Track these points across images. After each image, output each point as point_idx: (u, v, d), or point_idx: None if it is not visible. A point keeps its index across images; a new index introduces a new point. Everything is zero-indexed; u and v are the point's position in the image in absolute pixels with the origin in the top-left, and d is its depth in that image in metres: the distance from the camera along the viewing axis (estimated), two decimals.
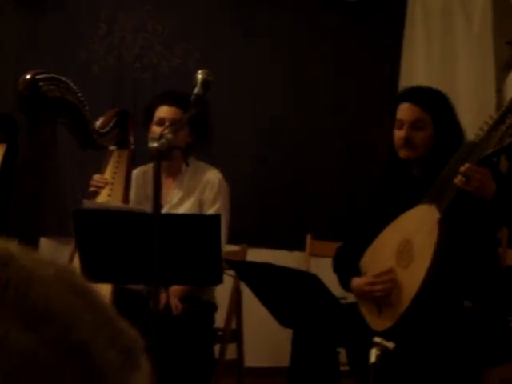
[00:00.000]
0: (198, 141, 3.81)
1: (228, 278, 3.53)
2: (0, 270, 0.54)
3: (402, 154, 3.22)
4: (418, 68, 5.08)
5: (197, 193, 3.83)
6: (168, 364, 3.20)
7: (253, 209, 5.10)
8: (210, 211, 3.76)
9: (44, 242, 4.36)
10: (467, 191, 2.96)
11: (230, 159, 4.82)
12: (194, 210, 3.78)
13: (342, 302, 3.26)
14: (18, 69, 4.04)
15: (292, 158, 5.16)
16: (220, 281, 3.07)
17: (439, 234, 3.01)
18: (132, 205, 3.71)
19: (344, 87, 5.17)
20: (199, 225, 3.03)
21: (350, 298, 3.33)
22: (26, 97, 3.07)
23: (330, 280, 3.26)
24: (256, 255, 4.12)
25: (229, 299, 4.13)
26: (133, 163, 3.73)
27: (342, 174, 5.16)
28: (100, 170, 3.68)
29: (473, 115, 4.56)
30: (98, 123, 3.47)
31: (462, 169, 2.94)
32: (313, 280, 3.00)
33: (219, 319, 3.97)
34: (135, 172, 3.86)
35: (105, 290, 3.22)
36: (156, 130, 3.72)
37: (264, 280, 3.14)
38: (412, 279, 3.04)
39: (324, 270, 3.60)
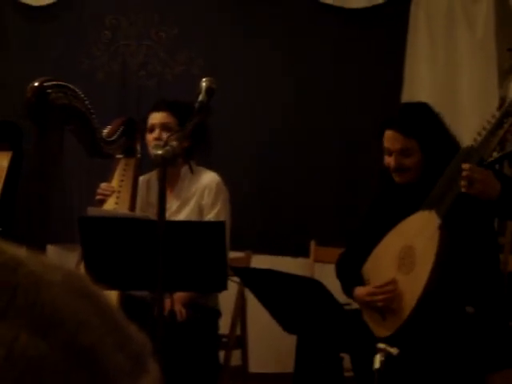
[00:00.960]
0: (197, 146, 3.81)
1: (232, 285, 3.53)
2: (8, 275, 0.54)
3: (396, 179, 3.24)
4: (421, 73, 5.08)
5: (195, 198, 3.82)
6: (173, 371, 3.20)
7: (257, 215, 5.09)
8: (210, 215, 3.75)
9: (51, 248, 4.37)
10: (471, 195, 2.95)
11: (231, 163, 4.82)
12: (194, 216, 3.77)
13: (346, 308, 3.27)
14: (22, 76, 4.05)
15: (292, 159, 5.13)
16: (225, 287, 3.07)
17: (440, 239, 3.02)
18: (137, 212, 3.72)
19: (345, 89, 5.14)
20: (204, 231, 3.04)
21: (354, 304, 3.32)
22: (34, 104, 3.07)
23: (335, 286, 3.26)
24: (260, 262, 4.12)
25: (233, 305, 4.13)
26: (139, 171, 3.74)
27: (341, 174, 5.14)
28: (107, 178, 3.69)
29: (476, 120, 4.56)
30: (105, 131, 3.48)
31: (464, 173, 2.93)
32: (317, 286, 3.00)
33: (224, 325, 3.98)
34: (139, 180, 3.86)
35: (111, 296, 3.22)
36: (149, 137, 3.74)
37: (268, 286, 3.15)
38: (414, 285, 3.04)
39: (328, 276, 3.60)
